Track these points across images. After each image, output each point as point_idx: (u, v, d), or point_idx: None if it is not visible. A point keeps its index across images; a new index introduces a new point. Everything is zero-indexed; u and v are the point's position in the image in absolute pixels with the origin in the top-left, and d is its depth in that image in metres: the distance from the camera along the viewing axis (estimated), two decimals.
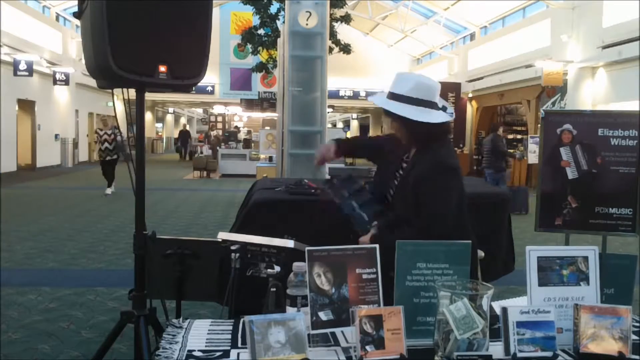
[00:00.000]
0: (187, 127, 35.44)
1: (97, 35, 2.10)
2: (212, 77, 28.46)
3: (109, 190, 12.92)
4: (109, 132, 12.69)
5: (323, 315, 1.70)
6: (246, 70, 22.39)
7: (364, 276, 1.77)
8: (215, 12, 23.35)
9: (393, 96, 2.31)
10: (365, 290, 1.77)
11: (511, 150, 19.70)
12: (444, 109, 2.29)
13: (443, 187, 2.18)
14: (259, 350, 1.54)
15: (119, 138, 12.44)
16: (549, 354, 1.66)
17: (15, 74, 16.67)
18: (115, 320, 2.46)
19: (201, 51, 2.27)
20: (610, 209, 2.86)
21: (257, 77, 25.71)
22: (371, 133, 38.74)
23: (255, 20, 14.96)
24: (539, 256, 1.84)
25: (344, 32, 15.31)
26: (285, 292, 1.84)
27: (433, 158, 2.23)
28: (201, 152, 19.55)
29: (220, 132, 29.16)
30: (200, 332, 1.84)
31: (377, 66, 30.85)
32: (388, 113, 2.32)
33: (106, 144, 12.66)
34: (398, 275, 1.80)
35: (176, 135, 52.67)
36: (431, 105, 2.25)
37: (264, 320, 1.58)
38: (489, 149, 11.23)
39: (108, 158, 12.76)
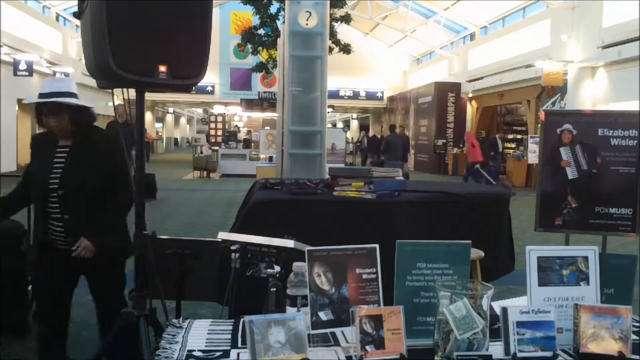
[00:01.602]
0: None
1: (97, 35, 2.10)
2: (212, 77, 28.47)
3: None
4: None
5: (323, 315, 1.70)
6: (246, 70, 22.42)
7: (364, 276, 1.77)
8: (215, 12, 23.35)
9: (48, 95, 2.71)
10: (365, 290, 1.77)
11: (511, 151, 19.79)
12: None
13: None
14: (259, 350, 1.54)
15: None
16: (549, 354, 1.66)
17: (15, 74, 16.68)
18: None
19: (201, 51, 2.27)
20: (610, 209, 2.86)
21: (257, 77, 25.74)
22: (371, 133, 38.73)
23: (255, 20, 14.98)
24: (539, 256, 1.84)
25: (344, 32, 15.32)
26: (285, 292, 1.84)
27: (107, 138, 2.85)
28: (201, 152, 19.51)
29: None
30: (200, 332, 1.84)
31: (377, 66, 30.86)
32: (54, 110, 2.72)
33: None
34: (398, 275, 1.80)
35: (177, 135, 51.26)
36: (76, 96, 2.75)
37: (264, 320, 1.58)
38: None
39: None
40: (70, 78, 2.73)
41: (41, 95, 2.75)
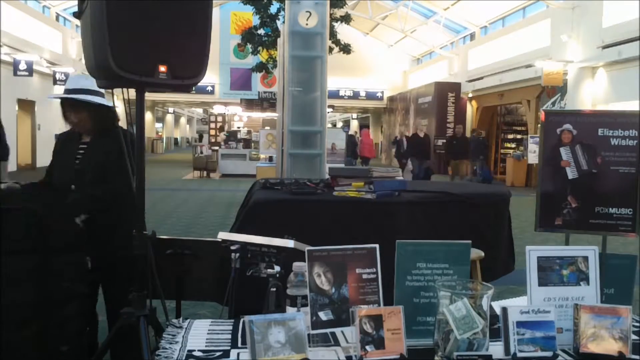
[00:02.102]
0: None
1: (97, 35, 2.10)
2: (212, 77, 28.44)
3: None
4: None
5: (323, 315, 1.70)
6: (246, 70, 22.40)
7: (364, 276, 1.77)
8: (215, 12, 23.35)
9: (71, 91, 2.81)
10: (365, 290, 1.77)
11: (511, 151, 19.77)
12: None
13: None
14: (259, 350, 1.54)
15: None
16: (549, 354, 1.66)
17: (15, 74, 16.67)
18: None
19: (201, 51, 2.27)
20: (610, 209, 2.86)
21: (257, 77, 25.71)
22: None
23: (255, 20, 14.96)
24: (539, 256, 1.84)
25: (344, 32, 15.30)
26: (285, 292, 1.84)
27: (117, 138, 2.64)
28: (201, 152, 19.50)
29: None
30: (200, 332, 1.84)
31: (377, 66, 30.86)
32: (76, 106, 2.83)
33: None
34: (398, 275, 1.80)
35: (177, 135, 51.22)
36: (101, 94, 2.83)
37: (264, 320, 1.58)
38: None
39: None
40: None
41: (66, 91, 2.87)
